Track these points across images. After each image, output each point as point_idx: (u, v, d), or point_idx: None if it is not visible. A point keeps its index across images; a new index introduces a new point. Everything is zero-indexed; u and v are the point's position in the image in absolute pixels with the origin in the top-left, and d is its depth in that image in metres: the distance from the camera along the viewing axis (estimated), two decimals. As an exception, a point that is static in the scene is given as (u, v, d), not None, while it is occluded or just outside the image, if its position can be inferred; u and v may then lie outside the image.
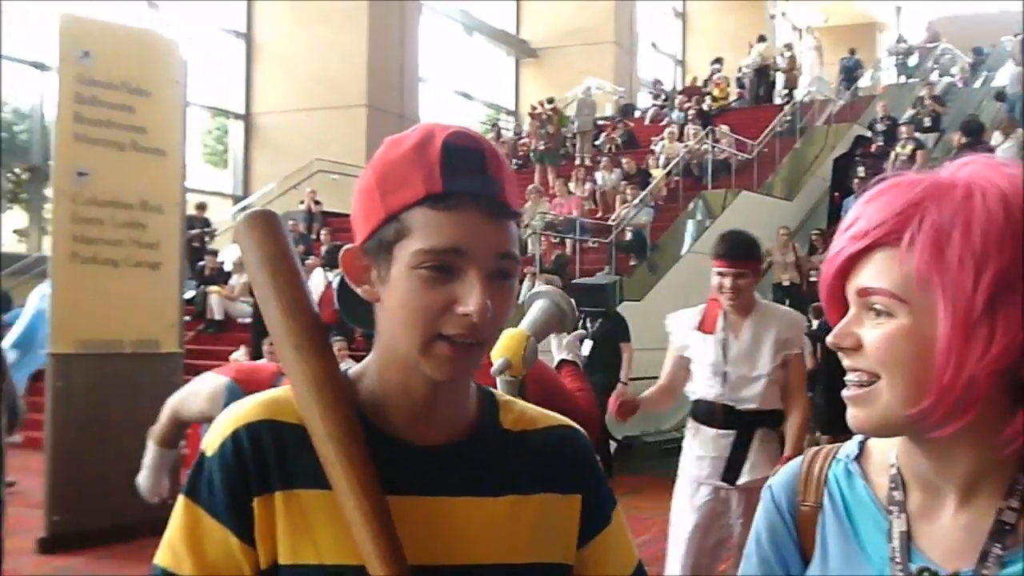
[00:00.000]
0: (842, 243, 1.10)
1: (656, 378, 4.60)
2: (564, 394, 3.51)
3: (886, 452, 1.19)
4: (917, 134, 16.10)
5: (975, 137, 13.80)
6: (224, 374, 2.80)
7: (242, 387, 2.65)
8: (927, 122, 17.02)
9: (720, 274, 4.18)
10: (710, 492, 4.27)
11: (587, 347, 8.93)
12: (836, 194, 14.59)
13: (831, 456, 1.24)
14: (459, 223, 1.07)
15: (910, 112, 17.61)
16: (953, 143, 15.03)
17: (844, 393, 1.09)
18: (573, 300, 3.00)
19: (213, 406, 2.62)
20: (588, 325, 9.22)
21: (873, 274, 1.06)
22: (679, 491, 4.39)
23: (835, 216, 14.36)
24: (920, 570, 1.02)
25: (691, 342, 4.33)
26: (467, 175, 1.09)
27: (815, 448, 1.27)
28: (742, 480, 4.19)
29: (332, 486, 1.10)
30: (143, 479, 2.89)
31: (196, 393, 2.78)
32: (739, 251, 4.20)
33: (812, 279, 11.83)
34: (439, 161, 1.09)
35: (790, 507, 1.23)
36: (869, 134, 16.80)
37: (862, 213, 1.09)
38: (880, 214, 1.06)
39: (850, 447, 1.23)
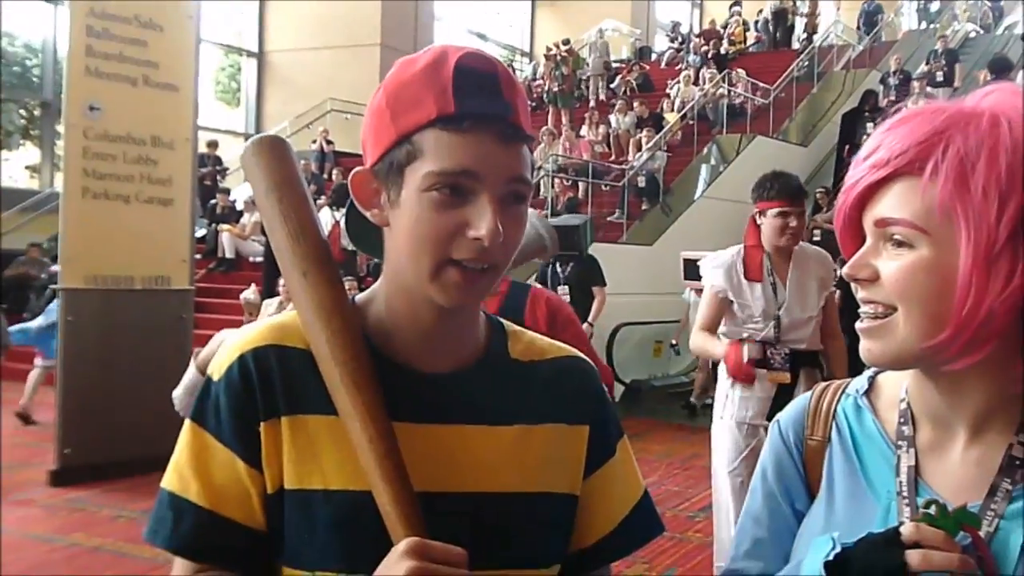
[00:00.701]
0: (861, 172, 1.07)
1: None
2: (577, 327, 3.55)
3: (896, 387, 1.17)
4: (929, 88, 15.78)
5: (1002, 75, 13.58)
6: None
7: None
8: (939, 77, 16.59)
9: (783, 215, 4.12)
10: (757, 433, 4.21)
11: (564, 292, 8.82)
12: (846, 147, 14.43)
13: (840, 391, 1.23)
14: (472, 145, 1.05)
15: (923, 68, 17.28)
16: (980, 81, 14.81)
17: (858, 325, 1.07)
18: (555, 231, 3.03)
19: None
20: (559, 269, 9.01)
21: (893, 204, 1.04)
22: (722, 436, 4.32)
23: (842, 172, 14.10)
24: (928, 502, 1.01)
25: (732, 287, 4.23)
26: (480, 97, 1.07)
27: (824, 383, 1.26)
28: None
29: (338, 411, 1.10)
30: (178, 396, 2.94)
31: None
32: (799, 192, 4.18)
33: (816, 238, 11.61)
34: (452, 82, 1.06)
35: (797, 441, 1.22)
36: (881, 89, 16.50)
37: (882, 142, 1.06)
38: (902, 143, 1.03)
39: (860, 382, 1.22)
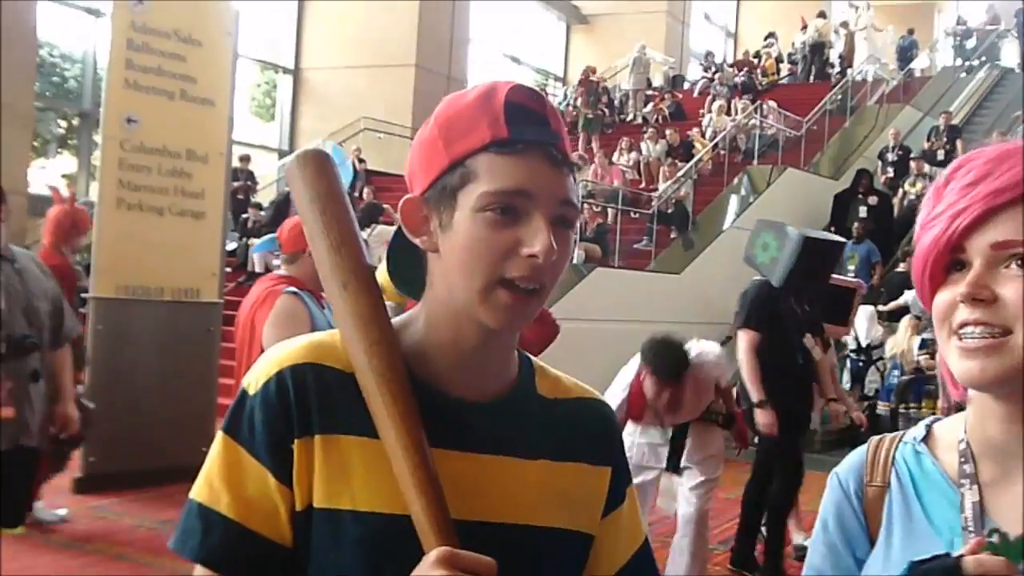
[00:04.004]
0: (974, 198, 1.09)
1: None
2: None
3: (953, 433, 1.21)
4: (927, 167, 15.02)
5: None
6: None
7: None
8: (940, 155, 15.61)
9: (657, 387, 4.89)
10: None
11: (811, 344, 8.28)
12: (832, 230, 14.25)
13: (897, 440, 1.26)
14: (525, 166, 1.10)
15: (924, 145, 16.53)
16: None
17: (965, 345, 1.08)
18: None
19: None
20: (794, 303, 8.52)
21: (1015, 228, 1.07)
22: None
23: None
24: (991, 531, 1.05)
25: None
26: (530, 125, 1.12)
27: (879, 436, 1.29)
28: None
29: (375, 421, 1.11)
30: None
31: None
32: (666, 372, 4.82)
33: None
34: (503, 110, 1.12)
35: (857, 490, 1.25)
36: (879, 164, 16.13)
37: (992, 170, 1.10)
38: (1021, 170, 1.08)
39: (917, 431, 1.26)
